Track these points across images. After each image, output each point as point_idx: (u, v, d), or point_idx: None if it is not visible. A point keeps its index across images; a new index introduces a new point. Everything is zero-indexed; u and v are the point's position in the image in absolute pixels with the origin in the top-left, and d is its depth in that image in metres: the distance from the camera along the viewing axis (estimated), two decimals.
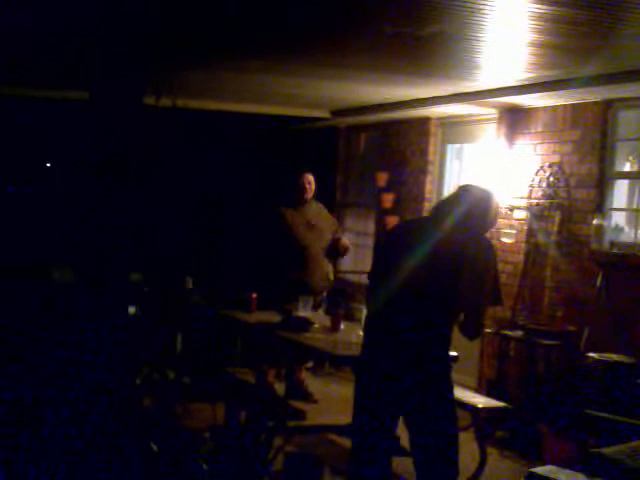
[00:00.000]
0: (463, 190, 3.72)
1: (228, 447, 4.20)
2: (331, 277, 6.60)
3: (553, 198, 6.15)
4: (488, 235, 3.83)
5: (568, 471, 3.73)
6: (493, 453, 5.41)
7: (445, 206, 3.74)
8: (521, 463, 5.36)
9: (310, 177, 6.46)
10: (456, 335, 3.64)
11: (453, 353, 4.39)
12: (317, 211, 6.54)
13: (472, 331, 3.57)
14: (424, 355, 3.54)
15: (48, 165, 9.34)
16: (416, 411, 3.55)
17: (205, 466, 3.91)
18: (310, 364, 6.67)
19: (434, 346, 3.57)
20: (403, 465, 4.26)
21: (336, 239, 6.46)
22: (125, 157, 5.98)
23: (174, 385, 5.73)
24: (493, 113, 6.79)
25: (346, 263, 9.12)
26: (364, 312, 4.19)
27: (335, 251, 6.48)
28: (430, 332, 3.55)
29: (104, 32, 4.99)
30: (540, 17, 3.92)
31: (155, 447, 3.73)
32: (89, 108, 6.53)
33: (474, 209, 3.61)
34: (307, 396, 6.48)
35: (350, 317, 5.85)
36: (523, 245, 6.41)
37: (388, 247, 3.85)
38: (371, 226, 8.66)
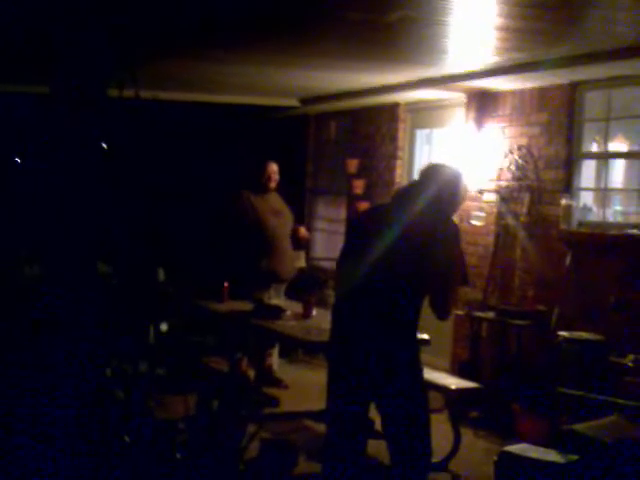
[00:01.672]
0: (431, 170, 3.72)
1: (202, 436, 4.19)
2: (296, 265, 6.59)
3: (522, 180, 6.19)
4: (458, 217, 3.84)
5: (541, 448, 3.79)
6: (467, 433, 5.45)
7: (413, 188, 3.74)
8: (495, 442, 5.40)
9: (275, 167, 6.44)
10: (429, 318, 3.66)
11: (425, 336, 4.43)
12: (278, 200, 6.54)
13: (442, 311, 3.58)
14: (393, 339, 3.55)
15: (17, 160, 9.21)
16: (387, 395, 3.56)
17: (179, 456, 3.90)
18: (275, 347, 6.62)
19: (403, 329, 3.58)
20: (377, 448, 4.28)
21: (294, 228, 6.44)
22: (89, 149, 5.91)
23: (147, 377, 5.71)
24: (461, 97, 6.81)
25: (318, 250, 9.14)
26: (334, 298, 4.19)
27: (296, 241, 6.45)
28: (399, 315, 3.56)
29: (64, 21, 4.92)
30: (506, 0, 3.93)
31: (127, 438, 3.72)
32: (51, 101, 6.45)
33: (443, 190, 3.62)
34: (276, 382, 6.47)
35: (322, 304, 5.87)
36: (493, 227, 6.45)
37: (358, 232, 3.84)
38: (343, 213, 8.67)
